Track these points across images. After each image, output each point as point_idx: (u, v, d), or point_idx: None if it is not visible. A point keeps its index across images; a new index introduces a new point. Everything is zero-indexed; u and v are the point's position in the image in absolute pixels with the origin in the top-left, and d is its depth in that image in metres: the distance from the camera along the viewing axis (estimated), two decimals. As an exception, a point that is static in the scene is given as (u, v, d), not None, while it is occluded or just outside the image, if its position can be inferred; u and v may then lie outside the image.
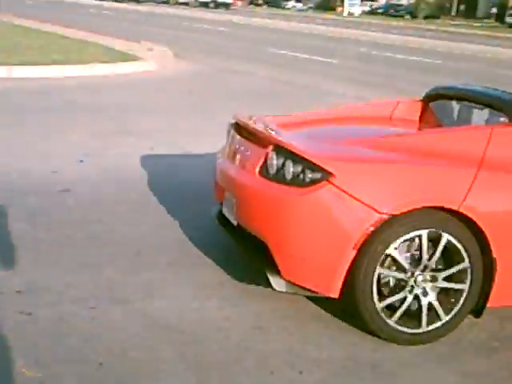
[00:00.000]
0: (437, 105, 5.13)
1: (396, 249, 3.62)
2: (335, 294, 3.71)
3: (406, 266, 3.70)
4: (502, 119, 4.31)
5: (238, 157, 4.35)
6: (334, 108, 5.37)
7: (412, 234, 3.61)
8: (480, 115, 4.68)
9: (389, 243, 3.58)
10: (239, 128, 4.53)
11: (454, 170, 3.68)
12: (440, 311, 3.78)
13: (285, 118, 4.98)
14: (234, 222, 4.26)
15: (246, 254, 4.32)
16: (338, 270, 3.61)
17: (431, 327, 3.78)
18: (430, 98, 5.21)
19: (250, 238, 4.02)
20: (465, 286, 3.76)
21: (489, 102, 4.54)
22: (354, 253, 3.57)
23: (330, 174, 3.59)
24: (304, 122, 4.90)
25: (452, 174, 3.67)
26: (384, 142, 3.94)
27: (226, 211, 4.44)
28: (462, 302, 3.79)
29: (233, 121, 4.71)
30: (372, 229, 3.54)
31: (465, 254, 3.70)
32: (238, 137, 4.47)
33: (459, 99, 4.92)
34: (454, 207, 3.60)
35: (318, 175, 3.63)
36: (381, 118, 5.09)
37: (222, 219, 4.56)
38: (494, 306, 3.89)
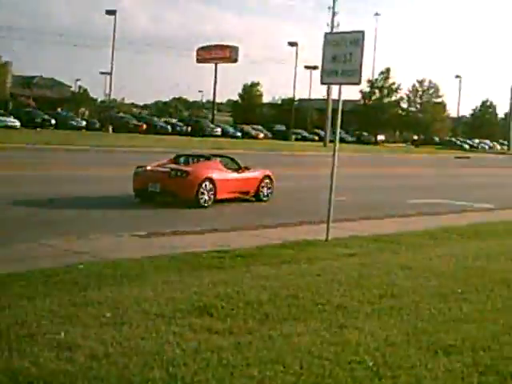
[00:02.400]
0: (176, 158, 21.63)
1: (205, 184, 19.73)
2: (193, 196, 19.36)
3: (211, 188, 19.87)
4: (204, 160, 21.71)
5: (157, 173, 19.94)
6: (162, 160, 21.66)
7: (205, 182, 19.72)
8: (196, 159, 21.57)
9: (204, 180, 19.72)
10: (153, 166, 20.47)
11: (211, 169, 20.47)
12: (209, 200, 19.89)
13: (159, 162, 21.06)
14: (157, 190, 19.54)
15: (162, 199, 19.94)
16: (196, 190, 19.37)
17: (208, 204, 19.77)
18: (175, 157, 21.60)
19: (168, 192, 19.68)
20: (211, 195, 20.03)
21: (201, 156, 22.56)
22: (199, 184, 19.49)
23: (189, 172, 19.74)
24: (161, 163, 20.99)
25: (211, 170, 20.42)
26: (192, 164, 21.03)
27: (151, 188, 19.56)
28: (213, 196, 20.02)
29: (140, 166, 20.40)
30: (202, 179, 19.68)
31: (212, 187, 19.94)
32: (151, 168, 20.19)
33: (191, 155, 22.40)
34: (211, 176, 19.91)
35: (185, 173, 19.70)
36: (168, 162, 21.17)
37: (144, 193, 19.92)
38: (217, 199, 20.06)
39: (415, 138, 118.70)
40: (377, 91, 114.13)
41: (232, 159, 22.29)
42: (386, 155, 69.70)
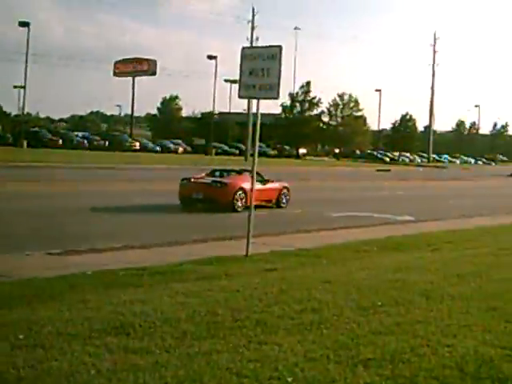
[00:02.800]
0: (212, 172, 27.34)
1: (239, 193, 24.83)
2: (229, 202, 24.41)
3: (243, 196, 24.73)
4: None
5: (200, 184, 25.30)
6: (202, 173, 27.74)
7: (239, 191, 24.87)
8: (229, 173, 27.03)
9: (239, 190, 24.85)
10: (196, 177, 26.14)
11: (243, 181, 24.99)
12: (241, 206, 24.52)
13: (199, 174, 27.16)
14: (200, 197, 24.72)
15: (204, 205, 24.77)
16: (232, 197, 24.53)
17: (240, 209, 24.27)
18: (211, 171, 27.36)
19: (209, 199, 24.66)
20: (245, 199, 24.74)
21: (232, 170, 27.86)
22: (234, 192, 24.64)
23: (226, 183, 25.26)
24: (201, 176, 26.68)
25: (242, 181, 24.92)
26: (227, 177, 26.46)
27: (195, 196, 24.75)
28: (245, 203, 24.02)
29: (185, 178, 25.73)
30: (237, 189, 24.81)
31: (244, 195, 24.65)
32: (195, 180, 25.71)
33: (224, 170, 28.21)
34: (243, 186, 24.40)
35: (224, 184, 25.23)
36: (206, 175, 26.88)
37: (188, 200, 24.94)
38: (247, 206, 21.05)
39: (337, 151, 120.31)
40: (298, 105, 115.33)
41: (258, 173, 27.23)
42: (308, 168, 70.42)
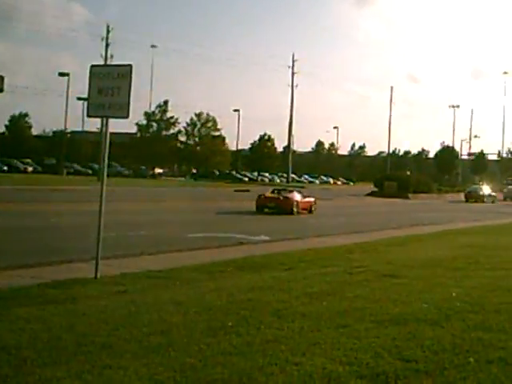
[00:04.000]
0: (273, 191, 43.84)
1: (295, 204, 41.47)
2: (290, 210, 39.69)
3: (296, 205, 42.03)
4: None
5: (271, 198, 41.10)
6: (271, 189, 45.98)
7: (295, 202, 41.14)
8: (285, 191, 43.68)
9: (295, 201, 40.99)
10: (268, 194, 42.06)
11: (295, 196, 41.49)
12: (295, 211, 40.66)
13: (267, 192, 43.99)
14: (272, 206, 39.85)
15: (271, 211, 39.39)
16: (291, 206, 40.25)
17: (295, 214, 41.14)
18: (273, 190, 43.76)
19: (277, 207, 39.67)
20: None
21: (286, 189, 45.02)
22: (292, 204, 40.26)
23: (288, 197, 40.82)
24: (269, 193, 42.88)
25: (295, 196, 41.38)
26: (286, 193, 42.08)
27: (270, 205, 40.05)
28: (297, 210, 41.44)
29: (260, 194, 42.41)
30: (294, 200, 40.90)
31: (297, 205, 41.34)
32: (267, 195, 41.70)
33: (281, 189, 45.52)
34: (296, 199, 40.98)
35: (287, 198, 40.62)
36: (270, 192, 43.37)
37: (263, 207, 40.49)
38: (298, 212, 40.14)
39: (194, 171, 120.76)
40: (154, 124, 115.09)
41: (300, 191, 44.46)
42: (163, 189, 70.31)
